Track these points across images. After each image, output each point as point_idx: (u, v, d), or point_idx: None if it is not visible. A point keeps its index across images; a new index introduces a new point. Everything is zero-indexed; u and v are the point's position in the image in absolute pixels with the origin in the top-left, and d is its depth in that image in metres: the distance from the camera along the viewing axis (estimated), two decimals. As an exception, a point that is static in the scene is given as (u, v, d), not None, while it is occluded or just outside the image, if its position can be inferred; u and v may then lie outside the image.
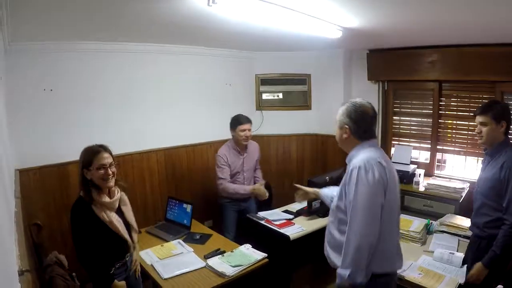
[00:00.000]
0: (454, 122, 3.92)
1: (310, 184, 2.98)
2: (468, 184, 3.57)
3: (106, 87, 3.46)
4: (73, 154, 3.16)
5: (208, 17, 2.34)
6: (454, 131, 3.94)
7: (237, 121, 3.49)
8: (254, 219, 3.29)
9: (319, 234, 2.48)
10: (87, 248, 2.03)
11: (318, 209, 3.27)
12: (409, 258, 2.44)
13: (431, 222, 2.94)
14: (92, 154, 2.06)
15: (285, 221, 3.19)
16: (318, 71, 4.67)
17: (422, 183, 3.75)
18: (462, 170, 3.96)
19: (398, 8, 2.19)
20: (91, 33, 2.95)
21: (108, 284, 2.09)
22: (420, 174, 3.79)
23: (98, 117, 3.41)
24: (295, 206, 3.51)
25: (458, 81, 3.77)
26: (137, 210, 2.56)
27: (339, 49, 4.37)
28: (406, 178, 3.81)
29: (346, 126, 1.88)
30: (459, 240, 2.69)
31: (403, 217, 3.06)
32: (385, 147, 4.42)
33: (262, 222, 3.22)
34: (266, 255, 2.66)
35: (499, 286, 1.97)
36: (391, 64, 4.10)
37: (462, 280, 2.20)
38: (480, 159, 3.55)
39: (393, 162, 4.11)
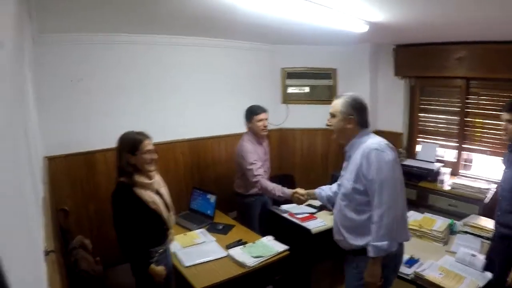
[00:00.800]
0: (482, 120, 3.83)
1: (334, 178, 2.99)
2: (494, 186, 3.49)
3: (132, 78, 3.53)
4: (100, 143, 3.31)
5: (235, 10, 2.36)
6: (481, 130, 3.85)
7: (252, 112, 3.35)
8: (277, 212, 3.34)
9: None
10: (130, 230, 2.14)
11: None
12: (430, 257, 2.46)
13: (455, 222, 2.91)
14: (138, 140, 2.18)
15: (307, 215, 3.22)
16: (344, 66, 4.61)
17: (447, 182, 3.70)
18: (488, 170, 3.87)
19: (424, 2, 2.16)
20: (120, 26, 3.05)
21: (147, 268, 2.19)
22: (445, 173, 3.74)
23: (124, 108, 3.49)
24: (318, 201, 3.51)
25: (486, 79, 3.68)
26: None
27: (365, 44, 4.32)
28: (431, 176, 3.76)
29: (351, 117, 2.04)
30: (482, 242, 2.65)
31: (427, 215, 3.06)
32: (410, 144, 4.38)
33: (285, 215, 3.27)
34: (287, 247, 2.70)
35: None
36: (418, 60, 4.03)
37: (482, 283, 2.18)
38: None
39: (418, 159, 4.11)
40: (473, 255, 2.41)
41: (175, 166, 3.92)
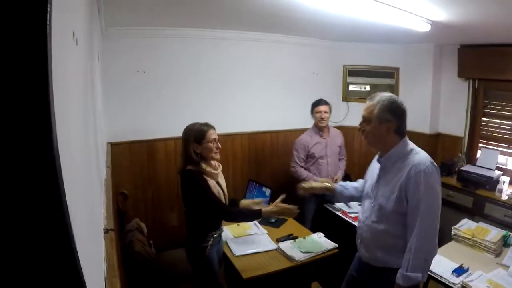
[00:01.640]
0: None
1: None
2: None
3: (195, 71, 3.71)
4: (162, 132, 3.53)
5: (302, 8, 2.46)
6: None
7: (313, 104, 3.67)
8: (331, 209, 3.45)
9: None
10: (199, 208, 2.34)
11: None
12: (479, 268, 2.44)
13: (510, 234, 2.86)
14: (204, 130, 2.37)
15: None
16: (406, 65, 4.54)
17: (506, 191, 3.59)
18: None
19: (489, 1, 2.11)
20: (186, 21, 3.23)
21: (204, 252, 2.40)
22: (504, 182, 3.63)
23: (187, 99, 3.69)
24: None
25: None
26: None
27: (428, 43, 4.23)
28: (489, 184, 3.66)
29: (390, 122, 1.85)
30: (537, 257, 2.60)
31: (481, 225, 3.02)
32: (471, 149, 4.26)
33: (338, 213, 3.38)
34: (337, 245, 2.78)
35: None
36: (484, 61, 3.87)
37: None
38: None
39: (477, 165, 3.99)
40: (525, 271, 2.38)
41: (233, 158, 4.10)
